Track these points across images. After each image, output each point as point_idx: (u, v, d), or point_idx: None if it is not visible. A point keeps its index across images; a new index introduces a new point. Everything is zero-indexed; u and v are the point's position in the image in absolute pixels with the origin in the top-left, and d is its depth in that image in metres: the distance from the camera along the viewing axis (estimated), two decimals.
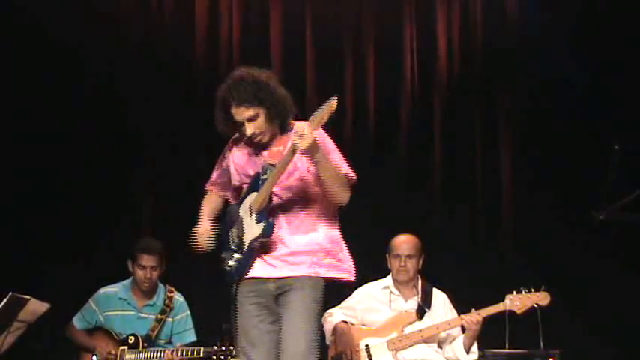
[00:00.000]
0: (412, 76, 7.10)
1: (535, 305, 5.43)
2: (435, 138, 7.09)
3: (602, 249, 6.58)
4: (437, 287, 5.74)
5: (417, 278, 5.70)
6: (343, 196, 4.09)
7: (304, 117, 6.52)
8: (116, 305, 5.85)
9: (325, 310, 4.20)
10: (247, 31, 7.14)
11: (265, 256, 4.14)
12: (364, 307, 5.64)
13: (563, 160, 6.79)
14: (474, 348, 5.56)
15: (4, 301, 5.24)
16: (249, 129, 4.14)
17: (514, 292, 5.46)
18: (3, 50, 6.68)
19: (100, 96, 6.88)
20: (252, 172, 4.23)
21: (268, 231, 4.07)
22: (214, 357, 5.52)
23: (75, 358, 5.79)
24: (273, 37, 7.08)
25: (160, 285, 5.93)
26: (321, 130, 4.07)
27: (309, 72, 7.07)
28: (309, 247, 4.11)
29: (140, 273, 5.80)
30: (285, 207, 4.14)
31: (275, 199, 4.12)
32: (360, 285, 5.68)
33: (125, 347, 5.70)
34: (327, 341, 5.68)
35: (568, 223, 6.66)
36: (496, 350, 5.76)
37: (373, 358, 5.42)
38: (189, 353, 5.64)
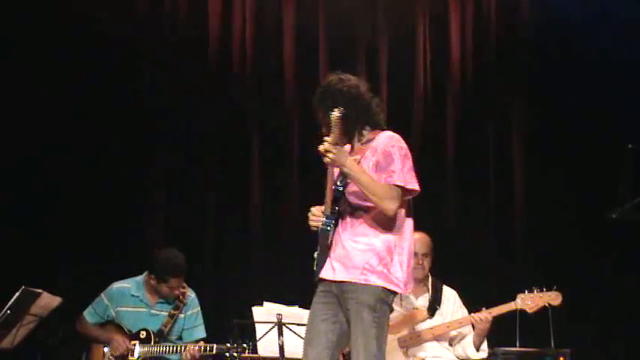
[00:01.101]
0: (424, 69, 7.09)
1: (547, 305, 5.41)
2: (448, 133, 7.07)
3: (614, 248, 6.58)
4: (447, 285, 5.73)
5: (428, 276, 5.70)
6: (382, 205, 4.19)
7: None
8: (129, 301, 5.85)
9: (384, 314, 4.24)
10: (261, 24, 7.13)
11: (331, 259, 4.31)
12: None
13: (577, 159, 6.78)
14: (484, 346, 5.55)
15: (17, 295, 5.27)
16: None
17: (525, 291, 5.45)
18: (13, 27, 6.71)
19: (112, 88, 6.88)
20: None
21: (322, 235, 4.31)
22: (227, 354, 5.52)
23: (85, 351, 5.80)
24: (286, 29, 7.08)
25: None
26: (391, 136, 4.30)
27: (321, 64, 7.05)
28: (364, 251, 4.24)
29: (167, 291, 5.80)
30: (351, 211, 4.31)
31: (344, 204, 4.32)
32: None
33: (137, 342, 5.71)
34: None
35: (581, 223, 6.66)
36: (507, 349, 5.75)
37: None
38: (202, 350, 5.64)
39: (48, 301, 5.43)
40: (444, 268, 5.86)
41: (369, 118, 4.36)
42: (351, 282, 4.22)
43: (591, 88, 6.77)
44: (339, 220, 4.32)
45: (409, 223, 4.35)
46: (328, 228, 4.31)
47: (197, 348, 5.62)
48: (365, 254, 4.22)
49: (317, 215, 4.37)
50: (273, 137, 7.11)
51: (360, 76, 6.84)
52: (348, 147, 4.38)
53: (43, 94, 6.70)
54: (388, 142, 4.29)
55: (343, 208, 4.32)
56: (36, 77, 6.68)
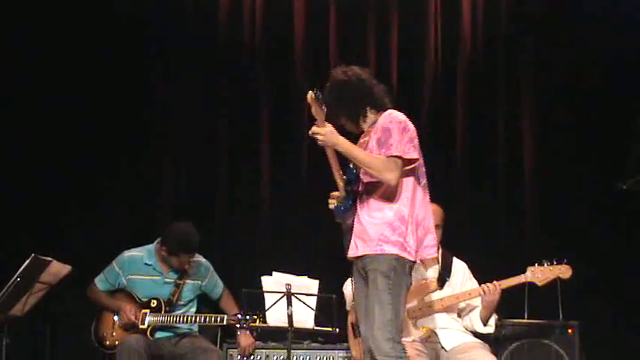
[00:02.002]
0: (436, 45, 7.05)
1: (557, 278, 5.41)
2: (458, 110, 7.05)
3: (623, 221, 6.56)
4: (457, 257, 5.73)
5: (439, 247, 5.69)
6: (383, 177, 4.37)
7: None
8: (142, 270, 5.87)
9: (399, 282, 4.39)
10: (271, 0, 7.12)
11: (353, 236, 4.52)
12: None
13: (587, 132, 6.76)
14: (492, 321, 5.53)
15: (27, 262, 5.29)
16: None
17: (536, 264, 5.44)
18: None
19: (123, 66, 6.89)
20: None
21: (343, 215, 4.53)
22: (237, 325, 5.55)
23: (96, 318, 5.82)
24: (296, 5, 7.05)
25: None
26: (389, 114, 4.49)
27: (332, 38, 7.04)
28: (379, 224, 4.41)
29: (175, 263, 5.84)
30: (365, 189, 4.51)
31: (359, 183, 4.52)
32: None
33: (147, 310, 5.73)
34: (347, 307, 5.71)
35: (590, 195, 6.65)
36: (515, 320, 5.78)
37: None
38: (212, 321, 5.67)
39: (58, 269, 5.45)
40: (455, 242, 5.86)
41: (373, 100, 4.58)
42: (369, 254, 4.41)
43: (602, 60, 6.75)
44: (357, 199, 4.50)
45: (419, 192, 4.51)
46: (343, 207, 4.52)
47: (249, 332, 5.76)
48: (379, 227, 4.40)
49: (333, 197, 4.59)
50: (282, 111, 7.10)
51: (369, 52, 6.99)
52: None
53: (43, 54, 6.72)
54: (387, 119, 4.49)
55: (358, 187, 4.51)
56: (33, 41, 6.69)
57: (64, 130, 6.75)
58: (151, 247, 5.92)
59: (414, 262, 4.46)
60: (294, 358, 5.69)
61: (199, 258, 5.98)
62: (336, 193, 4.59)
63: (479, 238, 6.73)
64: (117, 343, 5.66)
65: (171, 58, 7.05)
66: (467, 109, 7.02)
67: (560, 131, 6.87)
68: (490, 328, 5.55)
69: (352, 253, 4.50)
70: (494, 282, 5.44)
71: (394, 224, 4.39)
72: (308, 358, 5.79)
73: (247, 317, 5.50)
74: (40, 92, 6.72)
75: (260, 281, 5.78)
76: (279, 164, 7.01)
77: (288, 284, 5.52)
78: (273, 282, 5.74)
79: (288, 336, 5.44)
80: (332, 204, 4.57)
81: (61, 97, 6.74)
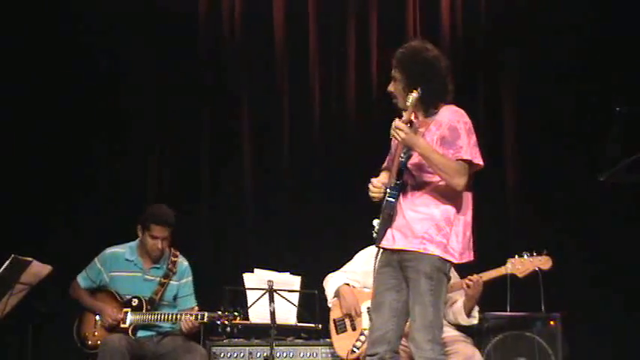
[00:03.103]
0: (415, 36, 7.05)
1: (537, 269, 5.42)
2: None
3: (604, 211, 6.59)
4: None
5: None
6: (453, 181, 4.26)
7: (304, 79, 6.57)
8: (123, 266, 5.84)
9: (441, 283, 4.32)
10: None
11: (392, 228, 4.36)
12: (365, 270, 5.63)
13: (566, 123, 6.79)
14: (475, 312, 5.56)
15: (6, 263, 5.24)
16: (389, 86, 4.41)
17: (516, 255, 5.46)
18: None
19: (99, 57, 6.86)
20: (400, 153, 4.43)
21: (387, 206, 4.33)
22: (218, 322, 5.54)
23: (78, 319, 5.78)
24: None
25: (165, 248, 5.93)
26: (455, 111, 4.36)
27: (311, 36, 7.06)
28: (423, 220, 4.31)
29: (151, 242, 5.79)
30: (414, 182, 4.37)
31: (407, 175, 4.37)
32: (362, 249, 5.72)
33: (129, 309, 5.70)
34: (329, 304, 5.71)
35: (572, 187, 6.67)
36: (498, 313, 5.79)
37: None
38: (195, 318, 5.64)
39: (38, 269, 5.41)
40: None
41: (444, 95, 4.41)
42: (410, 250, 4.31)
43: (583, 50, 6.80)
44: (402, 192, 4.37)
45: (468, 195, 4.42)
46: (392, 199, 4.35)
47: (194, 317, 5.61)
48: (424, 223, 4.31)
49: (377, 187, 4.41)
50: (263, 109, 7.09)
51: (350, 50, 6.99)
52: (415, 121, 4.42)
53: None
54: (453, 117, 4.35)
55: (405, 180, 4.38)
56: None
57: (45, 128, 6.70)
58: (133, 243, 5.90)
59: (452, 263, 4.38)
60: (277, 354, 5.65)
61: (183, 260, 5.95)
62: (375, 180, 4.42)
63: None
64: (99, 343, 5.63)
65: (153, 56, 7.01)
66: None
67: (540, 121, 6.91)
68: (474, 319, 5.57)
69: (388, 244, 4.36)
70: (476, 275, 5.45)
71: (440, 224, 4.30)
72: (291, 354, 5.78)
73: (227, 314, 5.50)
74: (20, 90, 6.67)
75: (242, 278, 5.81)
76: (260, 162, 7.02)
77: (270, 281, 5.55)
78: (256, 279, 5.76)
79: (271, 333, 5.45)
80: (378, 193, 4.36)
81: (43, 95, 6.71)
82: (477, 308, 5.57)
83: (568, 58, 6.83)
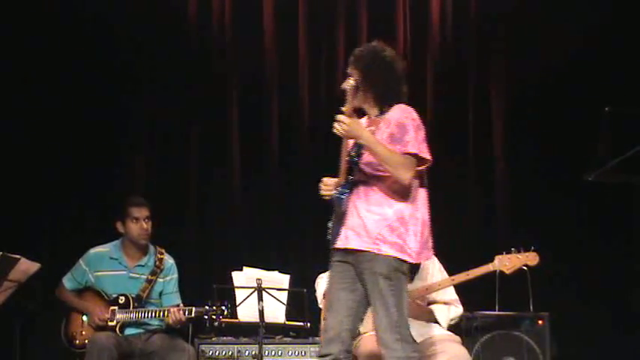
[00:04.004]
0: (405, 40, 7.09)
1: (524, 266, 5.44)
2: (428, 103, 7.07)
3: (591, 211, 6.62)
4: None
5: None
6: (398, 174, 4.25)
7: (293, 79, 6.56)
8: (107, 265, 5.83)
9: (400, 282, 4.33)
10: None
11: (346, 227, 4.36)
12: None
13: (555, 123, 6.81)
14: (453, 312, 5.55)
15: None
16: (344, 83, 4.40)
17: (504, 252, 5.48)
18: None
19: (93, 50, 6.85)
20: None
21: (338, 203, 4.35)
22: (205, 317, 5.53)
23: (65, 318, 5.78)
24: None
25: (151, 246, 5.93)
26: (404, 109, 4.36)
27: (300, 34, 7.06)
28: (377, 222, 4.30)
29: (135, 227, 5.80)
30: (365, 181, 4.36)
31: (359, 174, 4.37)
32: None
33: (115, 307, 5.69)
34: (320, 305, 5.71)
35: (560, 186, 6.69)
36: (486, 312, 5.81)
37: (364, 319, 5.42)
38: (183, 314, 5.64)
39: (27, 266, 5.40)
40: None
41: (399, 97, 4.43)
42: (364, 250, 4.30)
43: (573, 50, 6.82)
44: (354, 190, 4.37)
45: (422, 193, 4.42)
46: (343, 196, 4.36)
47: (182, 311, 5.61)
48: (378, 224, 4.29)
49: (328, 185, 4.42)
50: (252, 109, 7.09)
51: (339, 49, 7.00)
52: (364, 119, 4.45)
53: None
54: (402, 114, 4.36)
55: (358, 178, 4.38)
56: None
57: (33, 127, 6.69)
58: (117, 242, 5.90)
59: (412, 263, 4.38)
60: (266, 352, 5.64)
61: (169, 258, 5.94)
62: (328, 180, 4.44)
63: (449, 230, 6.76)
64: (86, 341, 5.61)
65: (142, 57, 7.01)
66: (436, 100, 7.06)
67: (529, 122, 6.94)
68: (456, 319, 5.57)
69: (342, 244, 4.35)
70: (459, 275, 5.47)
71: (393, 224, 4.29)
72: (280, 352, 5.78)
73: (215, 308, 5.49)
74: (10, 90, 6.65)
75: (231, 277, 5.81)
76: (249, 162, 7.01)
77: (258, 279, 5.53)
78: (244, 277, 5.77)
79: (260, 331, 5.44)
80: (328, 191, 4.40)
81: (33, 95, 6.70)
82: (457, 312, 5.57)
83: (557, 59, 6.84)
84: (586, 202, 6.58)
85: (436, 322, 5.50)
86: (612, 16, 6.72)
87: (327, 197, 4.40)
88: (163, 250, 5.93)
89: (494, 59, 7.11)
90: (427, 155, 4.34)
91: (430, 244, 4.45)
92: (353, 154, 4.38)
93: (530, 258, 5.43)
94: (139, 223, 5.79)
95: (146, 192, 6.70)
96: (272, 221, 6.87)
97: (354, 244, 4.31)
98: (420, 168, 4.35)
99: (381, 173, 4.31)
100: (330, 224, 4.42)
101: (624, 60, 6.68)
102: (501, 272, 5.43)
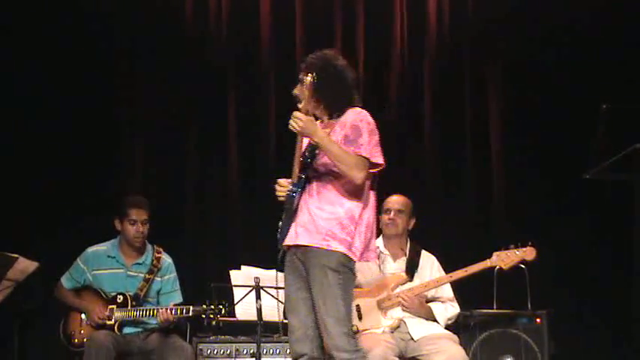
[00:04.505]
0: (402, 39, 7.09)
1: (522, 260, 5.46)
2: (425, 102, 7.08)
3: (591, 209, 6.61)
4: (426, 250, 5.76)
5: (407, 240, 5.73)
6: (351, 174, 4.29)
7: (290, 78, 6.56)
8: (105, 264, 5.83)
9: (348, 277, 4.34)
10: None
11: (296, 224, 4.40)
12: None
13: (552, 121, 6.82)
14: (450, 312, 5.58)
15: None
16: (295, 89, 4.47)
17: (502, 249, 5.49)
18: None
19: (93, 47, 6.84)
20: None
21: (289, 200, 4.40)
22: (203, 316, 5.53)
23: (63, 318, 5.77)
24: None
25: (148, 245, 5.93)
26: (359, 112, 4.41)
27: (298, 32, 7.05)
28: (328, 220, 4.33)
29: (131, 229, 5.80)
30: (318, 180, 4.40)
31: (312, 173, 4.41)
32: None
33: (114, 306, 5.69)
34: None
35: (557, 184, 6.70)
36: (484, 311, 5.82)
37: (363, 317, 5.45)
38: (180, 313, 5.62)
39: (25, 265, 5.38)
40: (424, 231, 5.90)
41: (350, 104, 4.47)
42: (313, 246, 4.32)
43: (569, 49, 6.86)
44: (306, 188, 4.41)
45: (372, 196, 4.47)
46: (294, 194, 4.40)
47: (170, 311, 5.61)
48: (329, 222, 4.33)
49: (283, 185, 4.48)
50: (250, 105, 7.10)
51: (336, 46, 7.00)
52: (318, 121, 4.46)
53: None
54: (357, 117, 4.41)
55: (311, 176, 4.41)
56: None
57: (32, 125, 6.68)
58: (115, 240, 5.90)
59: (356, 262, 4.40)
60: (264, 351, 5.65)
61: (167, 257, 5.95)
62: (282, 180, 4.51)
63: (448, 228, 6.78)
64: (85, 340, 5.61)
65: (140, 53, 7.01)
66: (434, 98, 7.07)
67: (526, 120, 6.94)
68: (450, 321, 5.60)
69: (291, 240, 4.39)
70: (457, 271, 5.48)
71: (344, 222, 4.32)
72: (278, 351, 5.76)
73: (212, 307, 5.49)
74: (10, 90, 6.65)
75: (229, 275, 5.80)
76: (247, 160, 7.01)
77: (256, 278, 5.53)
78: (242, 276, 5.76)
79: (258, 330, 5.44)
80: (282, 192, 4.47)
81: (33, 94, 6.69)
82: (451, 305, 5.59)
83: (555, 59, 6.86)
84: (584, 200, 6.58)
85: (434, 320, 5.53)
86: (610, 13, 6.72)
87: (281, 198, 4.46)
88: (161, 250, 5.93)
89: (491, 59, 7.10)
90: (379, 159, 4.39)
91: (372, 246, 4.47)
92: (307, 153, 4.44)
93: (528, 253, 5.46)
94: (135, 225, 5.80)
95: (144, 190, 6.72)
96: (270, 219, 6.85)
97: (304, 240, 4.35)
98: (373, 171, 4.39)
99: (335, 174, 4.35)
100: (280, 223, 4.46)
101: (622, 57, 6.68)
102: (499, 268, 5.46)
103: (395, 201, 5.69)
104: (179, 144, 7.00)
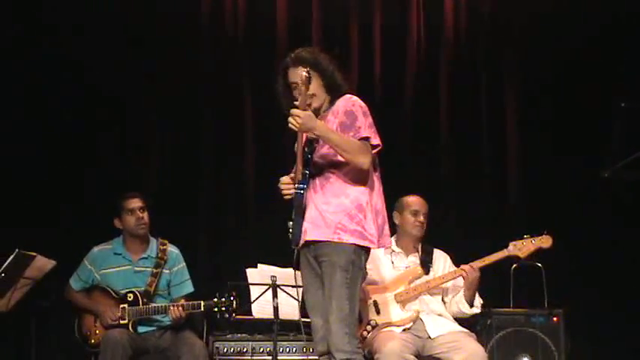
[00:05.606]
0: (419, 39, 7.09)
1: (539, 248, 5.45)
2: (441, 102, 7.08)
3: (608, 208, 6.60)
4: (437, 248, 5.76)
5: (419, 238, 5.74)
6: (357, 160, 4.31)
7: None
8: (111, 262, 5.83)
9: (357, 276, 4.38)
10: None
11: (305, 221, 4.42)
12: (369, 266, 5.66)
13: (570, 118, 6.80)
14: (477, 302, 5.56)
15: (10, 258, 5.25)
16: (296, 92, 4.45)
17: (517, 239, 5.50)
18: None
19: (103, 50, 6.83)
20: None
21: (297, 198, 4.41)
22: (215, 310, 5.55)
23: (77, 318, 5.76)
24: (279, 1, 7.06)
25: (152, 238, 5.93)
26: (349, 98, 4.44)
27: (314, 34, 7.05)
28: (336, 213, 4.35)
29: (131, 219, 5.81)
30: (320, 173, 4.44)
31: (314, 167, 4.44)
32: None
33: (125, 305, 5.67)
34: None
35: (575, 182, 6.67)
36: (501, 309, 5.82)
37: (381, 311, 5.45)
38: (190, 308, 5.64)
39: (42, 263, 5.41)
40: (439, 224, 5.93)
41: (344, 82, 4.52)
42: (323, 241, 4.35)
43: (587, 44, 6.82)
44: (310, 184, 4.44)
45: (376, 181, 4.49)
46: (302, 191, 4.42)
47: (181, 307, 5.61)
48: (337, 215, 4.35)
49: (288, 183, 4.50)
50: (266, 105, 7.09)
51: (352, 47, 7.01)
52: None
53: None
54: (348, 103, 4.44)
55: (313, 172, 4.44)
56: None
57: (45, 122, 6.70)
58: (118, 238, 5.91)
59: (372, 248, 4.43)
60: (281, 349, 5.65)
61: (173, 248, 5.94)
62: (285, 178, 4.53)
63: (464, 224, 6.77)
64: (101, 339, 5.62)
65: (156, 53, 7.01)
66: (450, 92, 7.07)
67: (544, 116, 6.92)
68: (476, 309, 5.58)
69: (303, 238, 4.41)
70: (468, 265, 5.47)
71: (352, 212, 4.34)
72: (294, 350, 5.77)
73: (224, 299, 5.51)
74: (11, 90, 6.67)
75: (245, 273, 5.80)
76: (263, 159, 7.00)
77: (273, 276, 5.54)
78: (259, 274, 5.76)
79: (274, 328, 5.45)
80: (288, 190, 4.48)
81: (41, 97, 6.71)
82: (479, 299, 5.57)
83: (571, 56, 6.84)
84: (602, 199, 6.55)
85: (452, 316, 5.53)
86: (625, 12, 6.70)
87: (288, 197, 4.47)
88: (166, 242, 5.92)
89: (507, 58, 7.09)
90: (377, 141, 4.40)
91: (386, 231, 4.50)
92: (307, 149, 4.45)
93: (544, 240, 5.47)
94: (134, 214, 5.81)
95: (159, 190, 6.73)
96: (286, 217, 6.86)
97: (313, 235, 4.37)
98: (372, 152, 4.40)
99: (336, 165, 4.37)
100: (290, 223, 4.46)
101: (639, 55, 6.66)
102: (516, 257, 5.46)
103: (423, 204, 5.67)
104: (195, 145, 7.00)
